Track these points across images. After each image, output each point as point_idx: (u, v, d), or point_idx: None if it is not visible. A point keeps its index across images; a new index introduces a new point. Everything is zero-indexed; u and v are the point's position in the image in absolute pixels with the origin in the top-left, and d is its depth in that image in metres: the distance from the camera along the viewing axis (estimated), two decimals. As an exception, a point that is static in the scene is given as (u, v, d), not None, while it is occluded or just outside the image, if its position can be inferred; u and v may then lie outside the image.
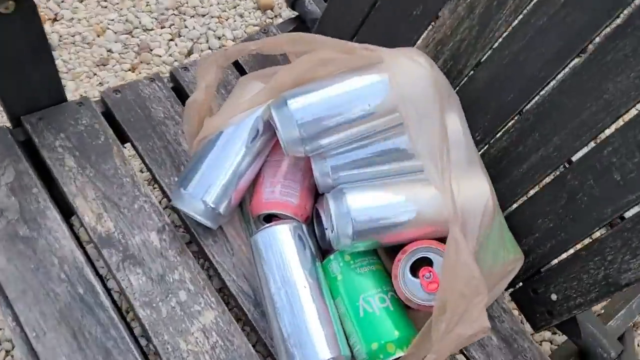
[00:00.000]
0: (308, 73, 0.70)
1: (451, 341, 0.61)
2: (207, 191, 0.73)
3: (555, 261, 0.78)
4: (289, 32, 1.00)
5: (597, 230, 0.72)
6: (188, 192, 0.73)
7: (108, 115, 0.85)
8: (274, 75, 0.77)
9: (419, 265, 0.68)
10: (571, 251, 0.76)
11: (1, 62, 0.71)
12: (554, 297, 0.77)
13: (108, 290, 0.72)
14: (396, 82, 0.65)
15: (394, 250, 0.73)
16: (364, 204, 0.68)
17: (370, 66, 0.70)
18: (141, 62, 1.24)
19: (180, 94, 0.90)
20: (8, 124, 0.82)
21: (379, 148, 0.73)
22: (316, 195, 0.79)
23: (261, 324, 0.73)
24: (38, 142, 0.79)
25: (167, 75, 0.93)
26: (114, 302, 0.72)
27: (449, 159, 0.63)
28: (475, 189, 0.69)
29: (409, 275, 0.67)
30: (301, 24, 1.01)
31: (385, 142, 0.73)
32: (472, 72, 0.80)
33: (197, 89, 0.74)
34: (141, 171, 1.02)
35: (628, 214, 0.70)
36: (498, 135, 0.79)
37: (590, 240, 0.74)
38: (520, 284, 0.82)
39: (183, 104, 0.88)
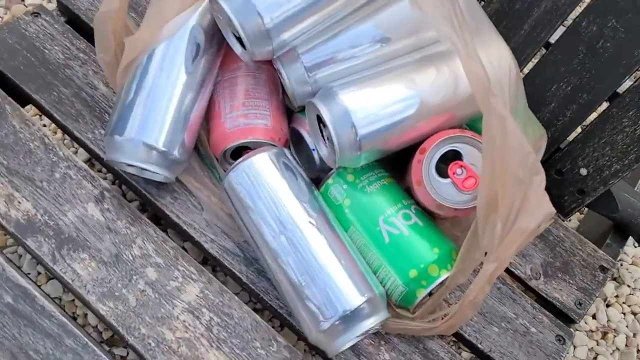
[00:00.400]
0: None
1: (513, 240, 0.48)
2: (151, 133, 0.54)
3: (575, 132, 0.67)
4: None
5: (626, 80, 0.62)
6: (127, 139, 0.54)
7: (-14, 68, 0.63)
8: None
9: (442, 163, 0.55)
10: (597, 114, 0.66)
11: None
12: (583, 171, 0.67)
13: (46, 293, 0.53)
14: None
15: (396, 159, 0.59)
16: (364, 101, 0.53)
17: None
18: (14, 17, 0.99)
19: (78, 26, 0.69)
20: None
21: (359, 30, 0.57)
22: (288, 114, 0.63)
23: (260, 285, 0.57)
24: None
25: (55, 7, 0.71)
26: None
27: (464, 17, 0.49)
28: (495, 54, 0.55)
29: (437, 177, 0.54)
30: None
31: (365, 23, 0.57)
32: None
33: (105, -4, 0.54)
34: (54, 132, 0.80)
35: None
36: (487, -4, 0.66)
37: (619, 93, 0.63)
38: (538, 168, 0.71)
39: (86, 39, 0.67)
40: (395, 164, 0.60)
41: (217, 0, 0.51)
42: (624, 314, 0.87)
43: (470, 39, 0.48)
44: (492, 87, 0.47)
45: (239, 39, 0.54)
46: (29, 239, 0.53)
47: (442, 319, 0.55)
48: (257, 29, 0.51)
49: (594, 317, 0.87)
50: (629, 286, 0.89)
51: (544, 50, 0.67)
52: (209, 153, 0.61)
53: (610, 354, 0.84)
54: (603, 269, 0.67)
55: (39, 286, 0.70)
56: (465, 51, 0.47)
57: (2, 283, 0.51)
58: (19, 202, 0.55)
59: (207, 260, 0.64)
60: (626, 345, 0.85)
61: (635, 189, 0.75)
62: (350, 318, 0.50)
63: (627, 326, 0.86)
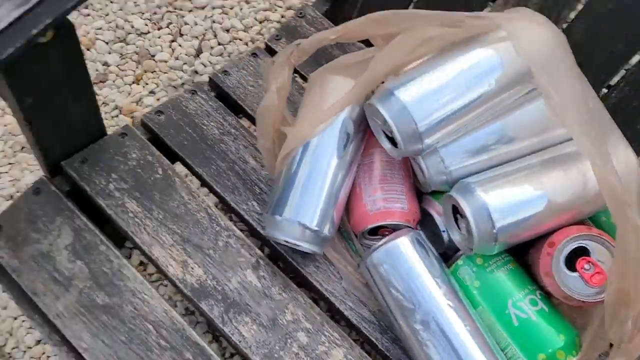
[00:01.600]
0: (408, 56, 0.59)
1: (642, 339, 0.53)
2: (306, 214, 0.62)
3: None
4: (325, 11, 0.88)
5: None
6: (285, 219, 0.62)
7: (156, 142, 0.72)
8: (352, 65, 0.66)
9: (570, 257, 0.60)
10: None
11: (38, 101, 0.57)
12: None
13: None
14: (522, 48, 0.55)
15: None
16: (499, 198, 0.59)
17: (480, 37, 0.59)
18: (145, 72, 1.10)
19: (228, 102, 0.78)
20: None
21: (491, 129, 0.63)
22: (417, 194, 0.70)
23: (394, 352, 0.64)
24: (90, 189, 0.66)
25: (207, 84, 0.80)
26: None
27: (599, 126, 0.54)
28: (622, 158, 0.60)
29: (566, 270, 0.59)
30: (336, 1, 0.89)
31: (496, 122, 0.63)
32: (566, 24, 0.71)
33: (267, 92, 0.62)
34: (216, 204, 0.89)
35: None
36: (605, 92, 0.71)
37: None
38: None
39: (234, 113, 0.76)
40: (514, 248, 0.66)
41: (377, 107, 0.59)
42: None
43: (605, 150, 0.53)
44: (624, 196, 0.53)
45: (390, 138, 0.61)
46: (202, 302, 0.62)
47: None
48: (411, 132, 0.58)
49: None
50: None
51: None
52: (347, 227, 0.68)
53: None
54: None
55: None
56: (600, 161, 0.53)
57: (184, 342, 0.59)
58: (192, 268, 0.64)
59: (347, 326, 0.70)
60: None
61: None
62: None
63: None
